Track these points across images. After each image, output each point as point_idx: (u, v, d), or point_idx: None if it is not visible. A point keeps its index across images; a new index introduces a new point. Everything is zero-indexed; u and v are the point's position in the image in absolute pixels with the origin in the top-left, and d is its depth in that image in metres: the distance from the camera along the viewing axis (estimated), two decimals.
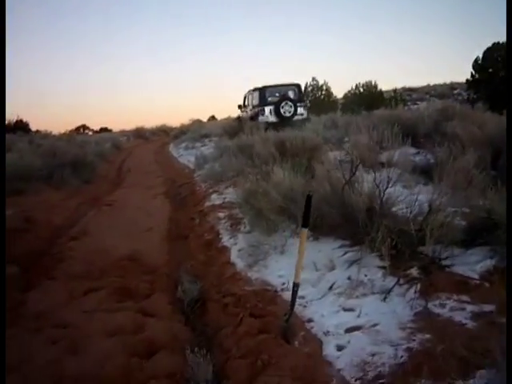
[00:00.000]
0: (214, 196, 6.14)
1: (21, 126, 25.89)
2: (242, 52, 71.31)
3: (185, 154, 13.89)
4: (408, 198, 2.93)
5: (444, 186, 2.89)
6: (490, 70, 12.91)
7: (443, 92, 28.17)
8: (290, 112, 11.11)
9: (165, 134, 25.45)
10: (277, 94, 11.73)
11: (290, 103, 11.15)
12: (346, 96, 22.63)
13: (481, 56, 13.28)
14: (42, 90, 56.17)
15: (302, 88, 12.45)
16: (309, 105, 24.02)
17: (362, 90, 21.66)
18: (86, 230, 4.90)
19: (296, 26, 66.32)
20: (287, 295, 2.50)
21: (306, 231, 2.23)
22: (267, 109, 11.27)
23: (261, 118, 11.22)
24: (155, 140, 23.83)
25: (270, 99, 11.56)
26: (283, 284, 2.85)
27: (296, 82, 12.27)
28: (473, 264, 2.38)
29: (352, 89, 22.18)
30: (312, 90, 24.94)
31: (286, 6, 66.58)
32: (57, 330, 2.59)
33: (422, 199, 2.83)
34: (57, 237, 4.76)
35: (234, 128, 12.74)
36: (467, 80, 13.85)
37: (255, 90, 11.98)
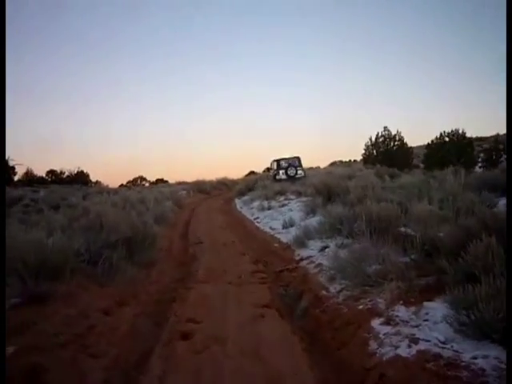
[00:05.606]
0: (377, 325, 3.13)
1: (81, 177, 24.91)
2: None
3: (261, 216, 11.12)
4: None
5: None
6: None
7: None
8: (293, 174, 18.87)
9: (227, 188, 23.21)
10: (286, 163, 19.44)
11: (293, 168, 19.06)
12: (429, 146, 19.86)
13: None
14: (100, 141, 57.06)
15: (301, 158, 19.82)
16: (380, 157, 21.67)
17: (447, 139, 19.38)
18: None
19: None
20: None
21: None
22: (281, 171, 19.21)
23: (277, 176, 19.02)
24: (218, 195, 21.51)
25: (282, 165, 19.44)
26: None
27: (297, 155, 20.01)
28: None
29: (436, 138, 19.61)
30: (384, 141, 22.34)
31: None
32: None
33: None
34: None
35: (327, 186, 10.03)
36: None
37: (275, 160, 19.96)
